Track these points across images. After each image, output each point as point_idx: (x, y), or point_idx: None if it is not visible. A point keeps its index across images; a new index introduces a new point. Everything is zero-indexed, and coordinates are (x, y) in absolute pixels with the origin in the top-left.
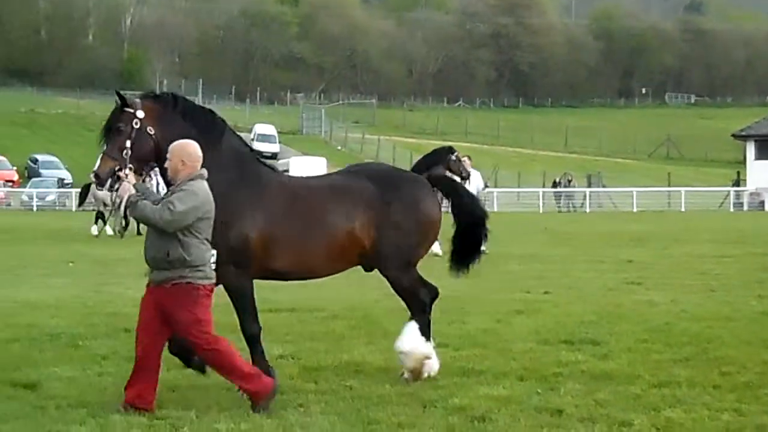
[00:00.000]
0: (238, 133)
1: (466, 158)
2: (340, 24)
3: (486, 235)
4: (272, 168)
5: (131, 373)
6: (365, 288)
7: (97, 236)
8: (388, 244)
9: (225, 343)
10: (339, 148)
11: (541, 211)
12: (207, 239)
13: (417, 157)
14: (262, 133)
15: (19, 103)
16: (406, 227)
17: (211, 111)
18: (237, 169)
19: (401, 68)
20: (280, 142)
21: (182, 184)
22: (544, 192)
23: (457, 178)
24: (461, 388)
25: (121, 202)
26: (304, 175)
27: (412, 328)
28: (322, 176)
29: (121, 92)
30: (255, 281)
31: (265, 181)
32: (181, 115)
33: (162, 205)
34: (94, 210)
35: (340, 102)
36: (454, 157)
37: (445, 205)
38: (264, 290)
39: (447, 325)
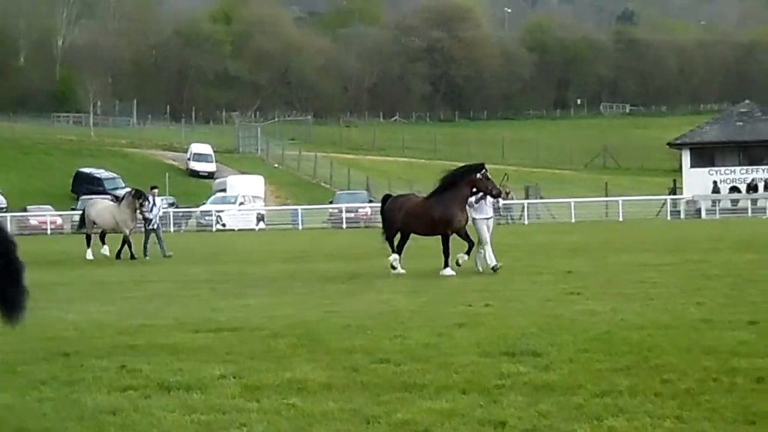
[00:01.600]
0: None
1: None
2: (275, 41)
3: (18, 270)
4: None
5: None
6: (307, 306)
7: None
8: None
9: None
10: (276, 165)
11: None
12: None
13: (354, 173)
14: (198, 153)
15: None
16: None
17: None
18: None
19: (336, 84)
20: (216, 161)
21: None
22: None
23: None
24: (404, 402)
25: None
26: None
27: None
28: None
29: (55, 114)
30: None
31: None
32: None
33: None
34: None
35: (276, 119)
36: (480, 175)
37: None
38: (205, 310)
39: (388, 340)
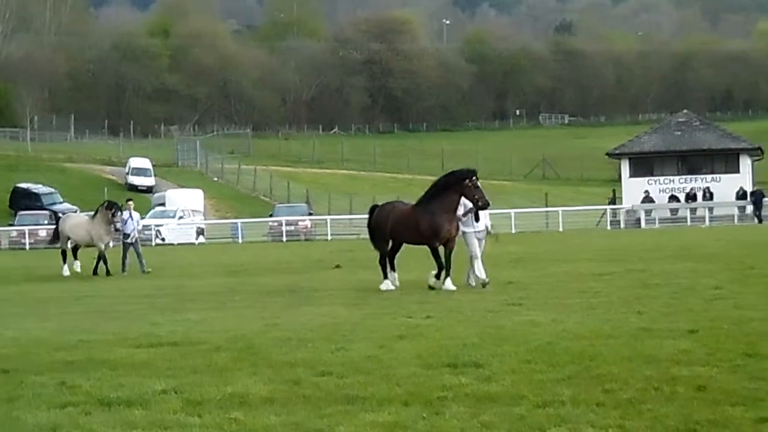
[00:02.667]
0: None
1: None
2: (212, 55)
3: None
4: None
5: None
6: (247, 319)
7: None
8: None
9: None
10: (215, 179)
11: None
12: None
13: (295, 186)
14: (137, 167)
15: None
16: None
17: None
18: None
19: (275, 97)
20: (155, 176)
21: None
22: None
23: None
24: (346, 415)
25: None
26: None
27: None
28: None
29: None
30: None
31: None
32: None
33: None
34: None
35: (215, 133)
36: (468, 182)
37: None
38: (145, 325)
39: (330, 353)
